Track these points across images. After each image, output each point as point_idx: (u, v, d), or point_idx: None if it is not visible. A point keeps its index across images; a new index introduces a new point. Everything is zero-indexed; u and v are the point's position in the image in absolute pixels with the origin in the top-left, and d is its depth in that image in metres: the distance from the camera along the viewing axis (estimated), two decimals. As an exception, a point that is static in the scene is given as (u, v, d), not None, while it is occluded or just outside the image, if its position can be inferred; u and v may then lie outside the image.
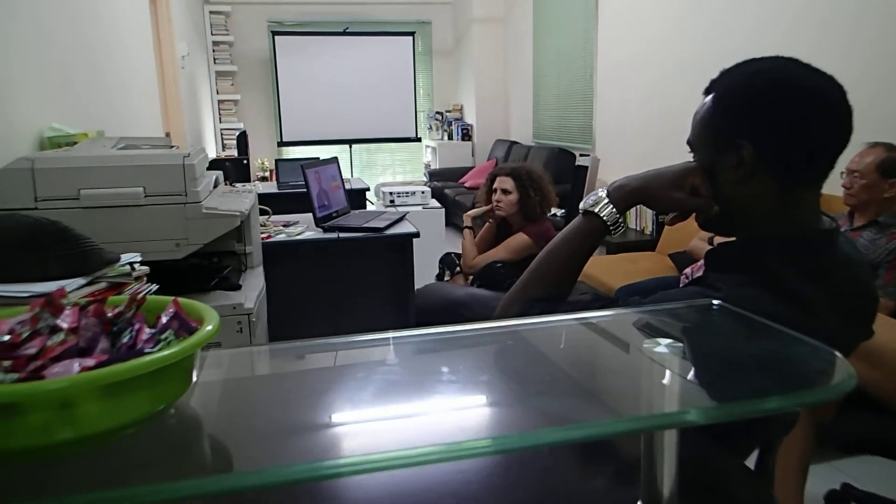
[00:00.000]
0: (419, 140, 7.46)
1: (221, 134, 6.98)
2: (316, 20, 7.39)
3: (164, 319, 0.64)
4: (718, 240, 1.04)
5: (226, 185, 2.12)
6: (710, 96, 0.97)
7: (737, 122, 0.92)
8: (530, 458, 0.82)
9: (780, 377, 0.70)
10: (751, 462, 1.02)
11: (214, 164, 3.50)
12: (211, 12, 6.82)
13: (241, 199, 1.79)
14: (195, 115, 5.76)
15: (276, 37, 6.78)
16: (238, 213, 1.64)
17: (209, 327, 0.63)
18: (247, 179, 4.58)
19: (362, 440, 0.63)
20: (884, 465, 1.88)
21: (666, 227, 3.89)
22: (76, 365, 0.55)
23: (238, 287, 1.80)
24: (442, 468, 0.77)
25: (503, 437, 0.56)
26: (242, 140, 5.13)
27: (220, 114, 7.03)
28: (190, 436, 0.66)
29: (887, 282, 2.21)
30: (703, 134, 0.97)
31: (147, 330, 0.63)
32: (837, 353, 0.66)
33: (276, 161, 4.73)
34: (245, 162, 4.73)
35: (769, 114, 0.90)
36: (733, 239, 1.00)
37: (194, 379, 0.64)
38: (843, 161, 2.00)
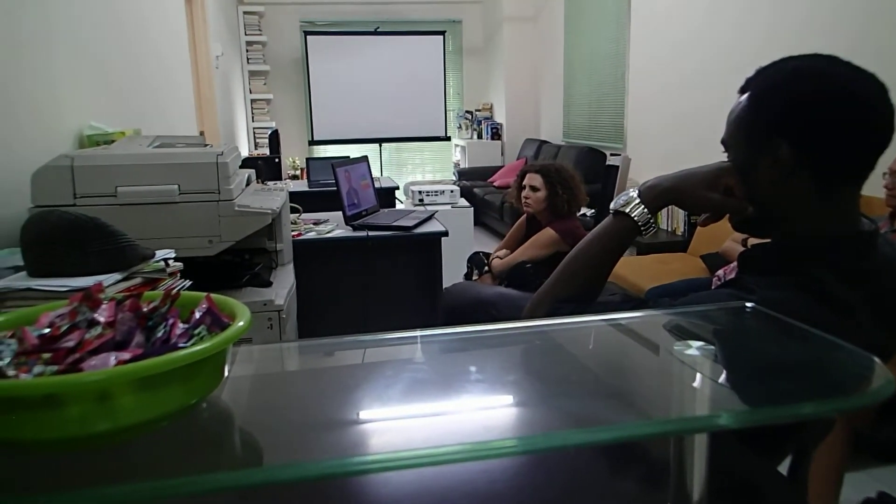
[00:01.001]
0: (448, 139, 7.47)
1: (254, 133, 7.08)
2: (347, 20, 7.45)
3: (197, 315, 0.65)
4: (753, 241, 1.02)
5: (258, 183, 2.14)
6: (745, 94, 0.95)
7: (774, 120, 0.90)
8: (556, 459, 0.82)
9: (815, 382, 0.68)
10: (784, 468, 1.00)
11: (247, 163, 3.55)
12: (245, 13, 6.91)
13: (272, 197, 1.81)
14: (228, 114, 5.85)
15: (308, 36, 6.84)
16: (269, 211, 1.66)
17: (241, 323, 0.64)
18: (278, 178, 4.63)
19: (390, 437, 0.64)
20: (923, 475, 1.83)
21: (698, 227, 3.83)
22: (112, 358, 0.56)
23: (269, 284, 1.83)
24: (468, 467, 0.77)
25: (529, 437, 0.56)
26: (274, 139, 5.19)
27: (252, 113, 7.13)
28: (221, 430, 0.67)
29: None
30: (738, 133, 0.96)
31: (181, 325, 0.64)
32: (876, 359, 0.64)
33: (307, 160, 4.77)
34: (277, 160, 4.79)
35: (807, 112, 0.88)
36: (768, 241, 0.98)
37: (226, 374, 0.65)
38: (885, 161, 1.94)
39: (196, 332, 0.63)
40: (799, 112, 0.89)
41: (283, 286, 1.83)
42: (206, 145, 1.89)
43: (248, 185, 1.90)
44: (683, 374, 0.71)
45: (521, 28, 7.27)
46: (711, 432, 0.62)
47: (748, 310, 0.82)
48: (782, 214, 0.93)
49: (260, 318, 1.68)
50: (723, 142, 0.99)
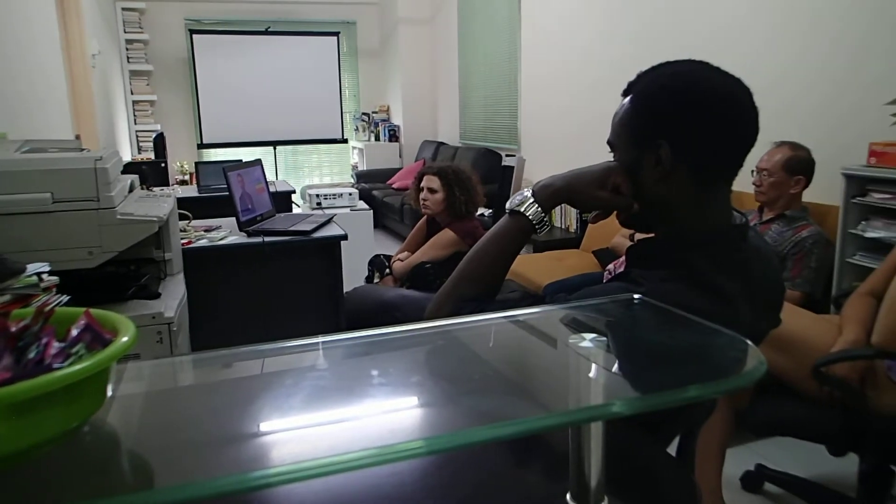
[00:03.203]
0: (346, 141, 7.39)
1: (137, 136, 6.69)
2: (236, 19, 7.20)
3: (74, 332, 0.61)
4: (639, 236, 1.07)
5: (142, 189, 2.03)
6: (628, 98, 1.00)
7: (654, 122, 0.96)
8: (463, 457, 0.82)
9: (698, 367, 0.73)
10: (672, 449, 1.07)
11: (130, 168, 3.35)
12: (123, 9, 6.52)
13: (158, 204, 1.72)
14: (108, 117, 5.49)
15: (194, 35, 6.55)
16: (156, 219, 1.57)
17: (125, 339, 0.60)
18: (165, 183, 4.40)
19: (292, 448, 0.62)
20: (793, 445, 2.00)
21: (589, 225, 4.00)
22: (-24, 384, 0.51)
23: (157, 296, 1.73)
24: (375, 472, 0.76)
25: (435, 437, 0.56)
26: (160, 142, 4.93)
27: (135, 115, 6.73)
28: (108, 453, 0.62)
29: (794, 274, 2.35)
30: (622, 134, 1.01)
31: (56, 344, 0.59)
32: (749, 342, 0.70)
33: (197, 164, 4.58)
34: (163, 165, 4.55)
35: (684, 114, 0.94)
36: (653, 235, 1.04)
37: (110, 393, 0.61)
38: (753, 160, 2.12)
39: (74, 350, 0.59)
40: (677, 114, 0.95)
41: (172, 297, 1.74)
42: (82, 150, 1.77)
43: (131, 191, 1.79)
44: (579, 365, 0.74)
45: (416, 30, 7.31)
46: (606, 420, 0.65)
47: (637, 301, 0.87)
48: (664, 210, 0.99)
49: (148, 333, 1.59)
50: (609, 143, 1.04)
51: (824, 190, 2.51)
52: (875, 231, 2.27)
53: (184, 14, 7.05)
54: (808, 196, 2.48)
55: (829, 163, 2.45)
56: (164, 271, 1.94)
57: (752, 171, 2.48)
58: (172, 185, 5.21)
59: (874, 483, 1.74)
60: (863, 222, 2.33)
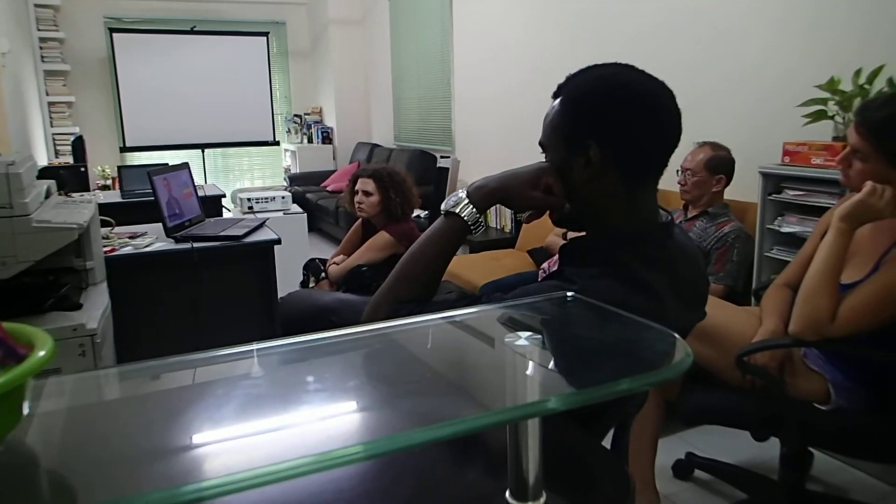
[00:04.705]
0: (277, 144, 7.24)
1: (54, 139, 6.34)
2: (159, 17, 6.94)
3: (-14, 347, 0.57)
4: (572, 235, 1.10)
5: (60, 195, 1.93)
6: (558, 100, 1.02)
7: (583, 123, 0.98)
8: (403, 460, 0.82)
9: (629, 361, 0.75)
10: (608, 442, 1.09)
11: (46, 173, 3.18)
12: (36, 5, 6.18)
13: (78, 211, 1.64)
14: (21, 119, 5.19)
15: (114, 34, 6.28)
16: (75, 226, 1.50)
17: (41, 353, 0.57)
18: (85, 189, 4.21)
19: (227, 459, 0.60)
20: (720, 432, 2.09)
21: (524, 224, 4.07)
22: None
23: (78, 307, 1.65)
24: (313, 480, 0.75)
25: (373, 441, 0.56)
26: (79, 146, 4.71)
27: (51, 117, 6.38)
28: (27, 474, 0.59)
29: (717, 269, 2.46)
30: (553, 136, 1.03)
31: (-34, 361, 0.55)
32: (676, 335, 0.72)
33: (119, 168, 4.40)
34: (83, 169, 4.35)
35: (612, 116, 0.97)
36: (584, 234, 1.06)
37: (27, 411, 0.58)
38: (677, 160, 2.21)
39: (-14, 367, 0.55)
40: (605, 116, 0.97)
41: (95, 308, 1.67)
42: (-8, 154, 1.66)
43: (47, 197, 1.70)
44: (516, 363, 0.75)
45: (348, 31, 7.25)
46: (543, 416, 0.66)
47: (570, 299, 0.89)
48: (595, 209, 1.02)
49: (69, 346, 1.51)
50: (540, 144, 1.06)
51: (744, 188, 2.63)
52: (790, 226, 2.40)
53: (102, 12, 6.74)
54: (730, 194, 2.60)
55: (748, 162, 2.58)
56: (85, 281, 1.85)
57: (677, 171, 2.58)
58: (93, 190, 4.99)
59: (794, 465, 1.84)
60: (779, 218, 2.46)
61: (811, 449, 1.87)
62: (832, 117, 2.32)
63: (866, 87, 2.25)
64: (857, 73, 2.27)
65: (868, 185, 1.51)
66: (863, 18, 2.42)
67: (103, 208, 2.24)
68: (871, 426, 1.60)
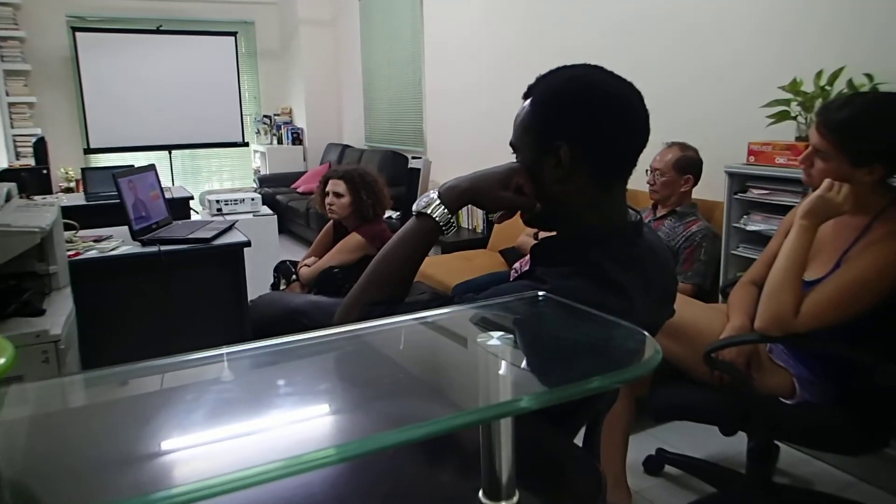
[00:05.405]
0: (247, 145, 7.16)
1: (14, 141, 6.18)
2: (124, 16, 6.81)
3: (-56, 355, 0.56)
4: (543, 235, 1.10)
5: (21, 198, 1.88)
6: (528, 101, 1.03)
7: (553, 124, 0.99)
8: (376, 462, 0.82)
9: (600, 359, 0.76)
10: (580, 439, 1.10)
11: (6, 175, 3.11)
12: (-5, 3, 6.02)
13: (40, 214, 1.60)
14: (-21, 120, 5.05)
15: (78, 33, 6.14)
16: (37, 230, 1.47)
17: (1, 360, 0.56)
18: (48, 191, 4.11)
19: (196, 465, 0.59)
20: (689, 428, 2.12)
21: (495, 225, 4.08)
22: None
23: (41, 312, 1.61)
24: (285, 484, 0.74)
25: (345, 444, 0.55)
26: (41, 147, 4.60)
27: (11, 118, 6.21)
28: (-13, 485, 0.57)
29: (686, 268, 2.49)
30: (523, 136, 1.04)
31: (-77, 369, 0.54)
32: (646, 333, 0.73)
33: (83, 170, 4.31)
34: (45, 172, 4.25)
35: (582, 116, 0.98)
36: (555, 234, 1.07)
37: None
38: (646, 160, 2.24)
39: (-56, 375, 0.54)
40: (574, 116, 0.98)
41: (59, 313, 1.63)
42: (-51, 156, 1.62)
43: (8, 200, 1.66)
44: (489, 363, 0.75)
45: (318, 31, 7.19)
46: (515, 416, 0.67)
47: (541, 298, 0.89)
48: (565, 209, 1.03)
49: (32, 352, 1.47)
50: (511, 144, 1.07)
51: (711, 187, 2.68)
52: (755, 224, 2.45)
53: (65, 10, 6.59)
54: (697, 193, 2.64)
55: (715, 162, 2.62)
56: (48, 286, 1.81)
57: (646, 171, 2.62)
58: (56, 192, 4.87)
59: (761, 458, 1.87)
60: (745, 216, 2.51)
61: (777, 442, 1.91)
62: (795, 118, 2.37)
63: (827, 88, 2.31)
64: (819, 74, 2.33)
65: (826, 181, 1.55)
66: (823, 22, 2.49)
67: (67, 211, 2.19)
68: (834, 419, 1.64)
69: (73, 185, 5.83)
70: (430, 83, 5.43)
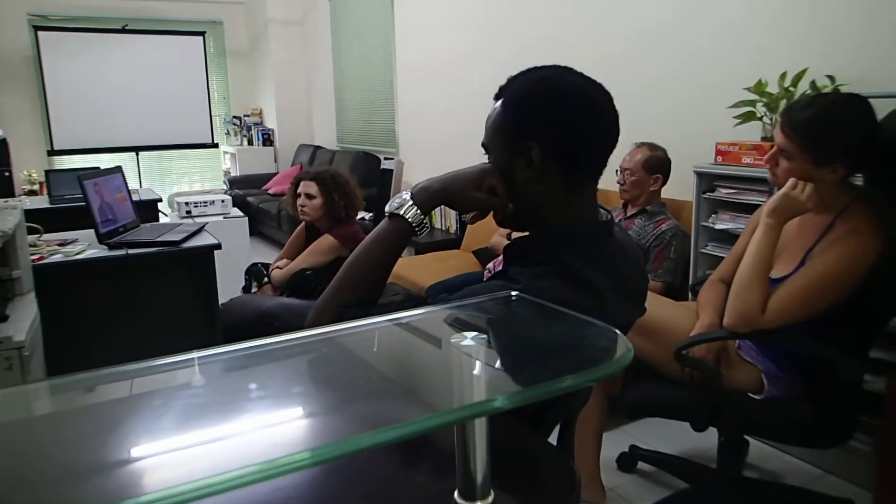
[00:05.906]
0: (216, 146, 7.07)
1: (-26, 143, 6.02)
2: (88, 15, 6.67)
3: None
4: (515, 235, 1.11)
5: (-18, 201, 1.83)
6: (499, 101, 1.03)
7: (524, 125, 1.00)
8: (351, 465, 0.81)
9: (573, 358, 0.77)
10: (553, 438, 1.11)
11: (-34, 178, 3.02)
12: (-48, 1, 5.86)
13: (2, 217, 1.56)
14: (-63, 121, 4.91)
15: (40, 32, 6.01)
16: None
17: (-35, 368, 0.54)
18: (10, 194, 4.02)
19: (167, 472, 0.58)
20: (661, 424, 2.15)
21: (468, 225, 4.09)
22: None
23: (4, 318, 1.57)
24: (259, 489, 0.73)
25: (320, 447, 0.55)
26: (2, 149, 4.49)
27: (-30, 119, 6.06)
28: (-52, 497, 0.56)
29: (656, 266, 2.53)
30: (495, 137, 1.04)
31: None
32: (617, 331, 0.74)
33: (47, 172, 4.21)
34: (7, 174, 4.15)
35: (553, 117, 0.99)
36: (528, 234, 1.08)
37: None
38: (616, 160, 2.27)
39: None
40: (545, 117, 0.99)
41: (23, 319, 1.59)
42: None
43: (-32, 203, 1.61)
44: (462, 364, 0.75)
45: (288, 31, 7.13)
46: (490, 415, 0.67)
47: (514, 298, 0.90)
48: (537, 209, 1.03)
49: (-5, 359, 1.43)
50: (483, 145, 1.07)
51: (680, 186, 2.72)
52: (723, 223, 2.49)
53: (26, 9, 6.43)
54: (667, 192, 2.68)
55: (683, 161, 2.66)
56: (11, 291, 1.76)
57: (616, 171, 2.64)
58: (19, 195, 4.76)
59: (731, 453, 1.91)
60: (713, 215, 2.55)
61: (747, 437, 1.94)
62: (760, 118, 2.42)
63: (791, 89, 2.36)
64: (783, 76, 2.38)
65: (791, 180, 1.59)
66: (787, 25, 2.54)
67: (30, 214, 2.14)
68: (801, 413, 1.68)
69: (36, 187, 5.71)
70: (402, 83, 5.42)
